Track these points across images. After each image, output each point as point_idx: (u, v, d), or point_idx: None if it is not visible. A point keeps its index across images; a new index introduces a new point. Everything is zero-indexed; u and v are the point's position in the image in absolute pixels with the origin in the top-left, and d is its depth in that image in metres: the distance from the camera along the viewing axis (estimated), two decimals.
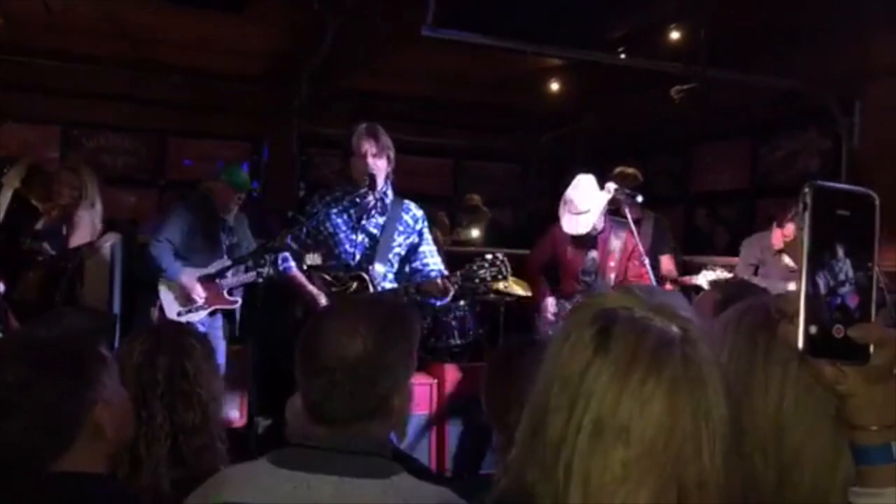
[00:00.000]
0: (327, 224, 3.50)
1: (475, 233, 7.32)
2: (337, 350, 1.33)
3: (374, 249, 3.45)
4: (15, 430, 1.34)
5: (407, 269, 3.56)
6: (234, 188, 4.60)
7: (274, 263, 3.61)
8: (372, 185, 3.38)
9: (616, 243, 4.19)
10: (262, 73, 7.22)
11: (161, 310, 4.45)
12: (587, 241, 4.24)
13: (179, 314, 4.43)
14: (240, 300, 4.58)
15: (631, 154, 6.85)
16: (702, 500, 0.87)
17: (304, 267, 3.49)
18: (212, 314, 4.52)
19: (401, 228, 3.50)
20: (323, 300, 3.44)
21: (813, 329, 0.81)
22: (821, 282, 0.81)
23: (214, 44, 6.42)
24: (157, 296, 4.48)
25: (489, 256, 3.26)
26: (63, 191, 4.50)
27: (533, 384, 0.94)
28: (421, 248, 3.55)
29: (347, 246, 3.47)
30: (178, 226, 4.51)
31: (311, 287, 3.50)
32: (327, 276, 3.50)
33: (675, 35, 5.86)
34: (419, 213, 3.57)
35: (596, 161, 4.36)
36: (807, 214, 0.82)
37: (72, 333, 1.50)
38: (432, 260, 3.55)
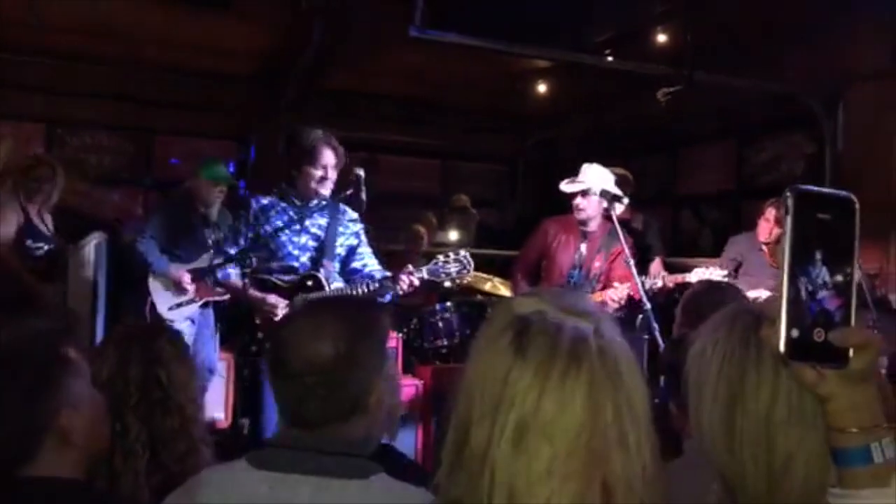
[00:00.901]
0: (266, 227, 3.45)
1: (453, 235, 7.27)
2: (307, 355, 1.32)
3: (321, 250, 3.44)
4: None
5: (347, 269, 3.53)
6: (213, 182, 4.65)
7: (213, 272, 3.57)
8: (318, 194, 3.42)
9: (606, 243, 4.17)
10: (249, 71, 7.18)
11: (153, 305, 4.48)
12: (578, 235, 4.23)
13: (171, 308, 4.45)
14: (229, 294, 4.57)
15: (617, 156, 6.87)
16: (627, 495, 0.87)
17: (248, 271, 3.32)
18: (203, 307, 4.56)
19: (341, 229, 3.51)
20: (272, 299, 3.33)
21: (794, 333, 0.81)
22: (802, 286, 0.82)
23: (201, 42, 6.39)
24: (147, 292, 4.50)
25: (451, 253, 3.34)
26: (43, 186, 4.48)
27: (455, 397, 0.93)
28: (360, 250, 3.56)
29: (291, 248, 3.43)
30: (160, 223, 4.62)
31: (252, 292, 3.34)
32: (279, 282, 3.41)
33: (661, 38, 5.90)
34: (355, 215, 3.59)
35: (583, 163, 4.34)
36: (788, 218, 0.82)
37: (31, 336, 1.32)
38: (371, 261, 3.55)
